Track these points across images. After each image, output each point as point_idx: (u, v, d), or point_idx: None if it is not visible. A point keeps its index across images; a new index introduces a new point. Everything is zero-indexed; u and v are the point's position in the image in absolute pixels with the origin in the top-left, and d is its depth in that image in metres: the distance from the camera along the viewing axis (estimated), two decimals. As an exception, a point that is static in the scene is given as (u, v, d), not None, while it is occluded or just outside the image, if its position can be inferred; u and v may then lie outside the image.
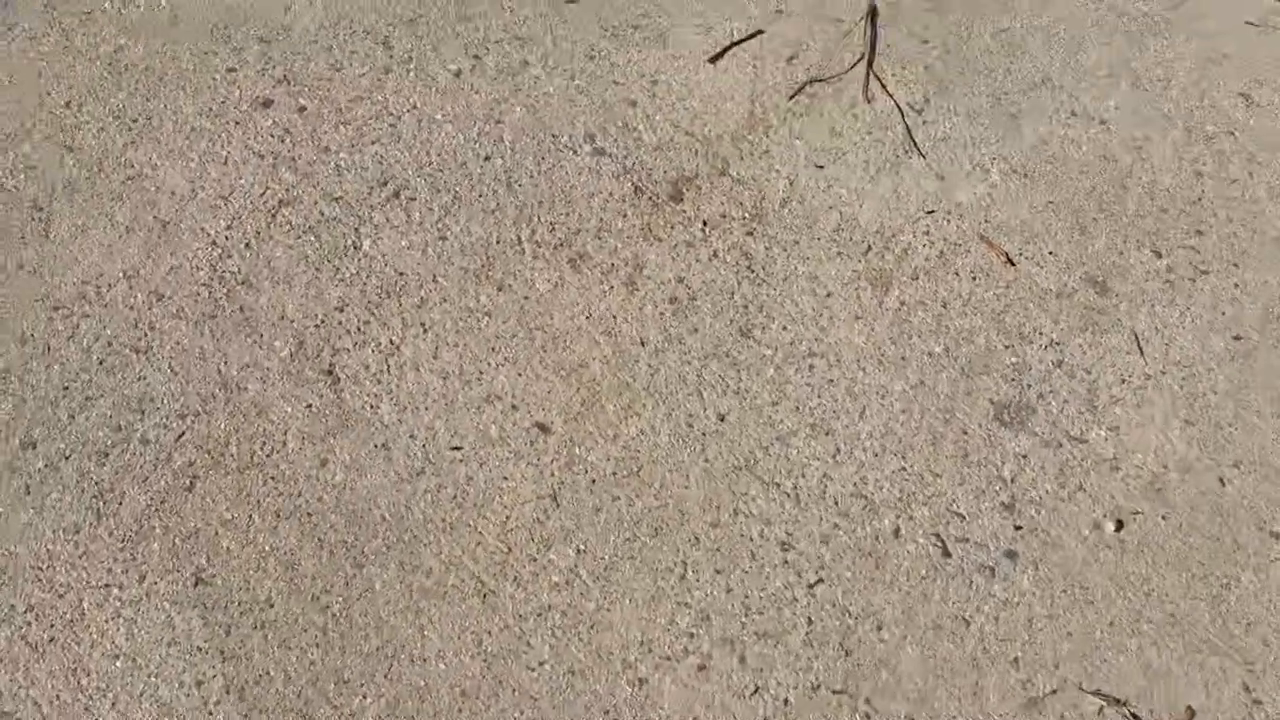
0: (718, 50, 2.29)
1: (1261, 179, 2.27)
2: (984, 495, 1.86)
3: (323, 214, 2.01)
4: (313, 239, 1.98)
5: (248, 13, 2.24)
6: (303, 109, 2.13)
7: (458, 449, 1.81)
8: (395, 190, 2.05)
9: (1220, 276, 2.13)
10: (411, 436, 1.81)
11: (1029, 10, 2.46)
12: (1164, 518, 1.87)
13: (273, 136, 2.09)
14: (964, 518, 1.84)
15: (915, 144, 2.21)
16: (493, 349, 1.91)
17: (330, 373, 1.86)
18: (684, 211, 2.10)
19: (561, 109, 2.19)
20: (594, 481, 1.81)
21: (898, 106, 2.25)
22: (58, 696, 1.56)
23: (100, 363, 1.83)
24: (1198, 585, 1.81)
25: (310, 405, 1.82)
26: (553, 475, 1.81)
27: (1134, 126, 2.31)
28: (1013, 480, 1.88)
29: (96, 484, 1.72)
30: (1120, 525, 1.86)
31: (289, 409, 1.82)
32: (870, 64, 2.29)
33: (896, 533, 1.81)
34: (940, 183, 2.18)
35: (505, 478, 1.80)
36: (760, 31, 2.34)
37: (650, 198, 2.11)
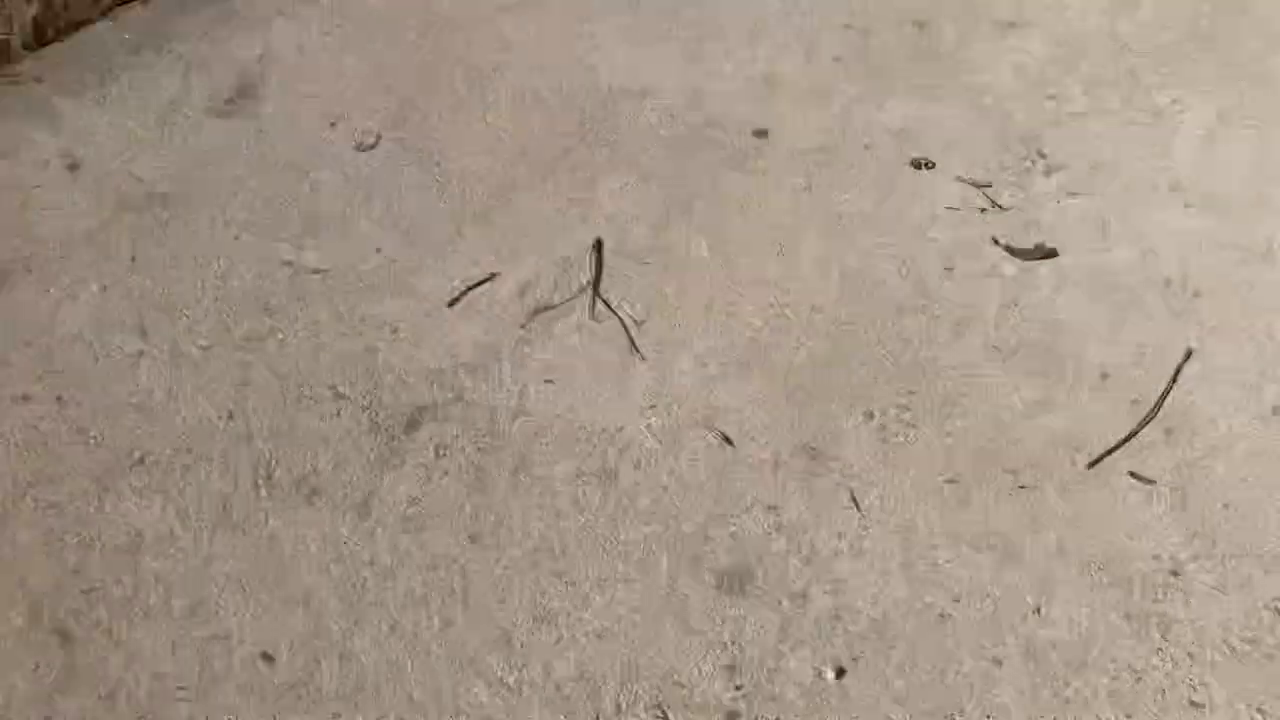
0: (455, 295, 2.60)
1: (975, 338, 2.54)
2: (705, 661, 1.99)
3: (70, 489, 2.22)
4: (56, 512, 2.18)
5: (16, 322, 2.54)
6: (59, 398, 2.39)
7: (183, 689, 1.93)
8: (140, 458, 2.27)
9: (931, 428, 2.36)
10: (136, 683, 1.94)
11: (740, 224, 2.82)
12: (886, 659, 1.99)
13: (29, 426, 2.34)
14: (685, 686, 1.96)
15: (637, 349, 2.48)
16: (222, 590, 2.07)
17: (61, 632, 2.00)
18: (418, 439, 2.32)
19: (305, 365, 2.46)
20: (315, 703, 1.92)
21: (620, 320, 2.54)
22: None
23: None
24: None
25: (37, 666, 1.96)
26: (277, 700, 1.92)
27: (841, 306, 2.61)
28: (733, 643, 2.02)
29: None
30: (842, 672, 1.98)
31: (17, 675, 1.95)
32: (596, 287, 2.60)
33: (618, 709, 1.92)
34: (662, 381, 2.43)
35: (229, 713, 1.91)
36: (495, 274, 2.66)
37: (386, 430, 2.34)
